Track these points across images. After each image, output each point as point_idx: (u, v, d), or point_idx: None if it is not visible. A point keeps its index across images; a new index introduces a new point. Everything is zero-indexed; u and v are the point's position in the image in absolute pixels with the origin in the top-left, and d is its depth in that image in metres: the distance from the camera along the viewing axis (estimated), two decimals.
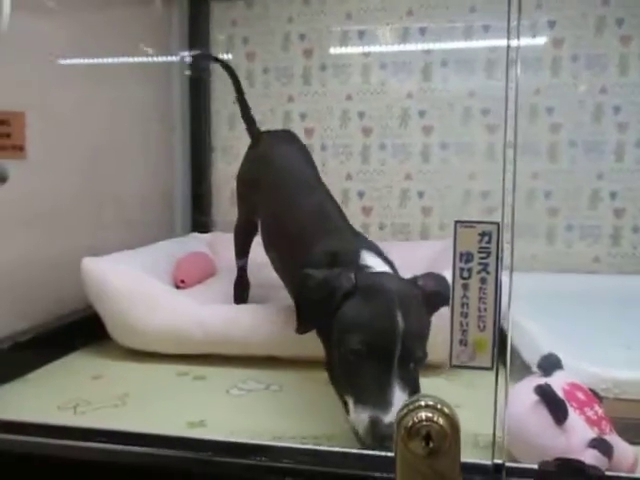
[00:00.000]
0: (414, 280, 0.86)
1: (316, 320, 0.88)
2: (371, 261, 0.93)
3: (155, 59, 1.87)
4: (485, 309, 0.55)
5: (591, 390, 0.77)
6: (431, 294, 0.84)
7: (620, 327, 1.30)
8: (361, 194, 1.91)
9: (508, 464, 0.60)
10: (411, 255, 1.61)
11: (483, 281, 0.54)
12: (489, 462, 0.60)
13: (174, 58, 1.97)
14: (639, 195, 1.74)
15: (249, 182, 1.39)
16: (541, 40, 1.79)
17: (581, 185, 1.78)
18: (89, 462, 0.67)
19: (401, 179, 1.88)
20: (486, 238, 0.54)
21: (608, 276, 1.73)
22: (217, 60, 1.80)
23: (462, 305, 0.55)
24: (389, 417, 0.70)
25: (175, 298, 1.23)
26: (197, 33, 1.95)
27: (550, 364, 0.80)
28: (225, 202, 1.99)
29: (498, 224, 0.54)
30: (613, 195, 1.76)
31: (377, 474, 0.59)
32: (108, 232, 1.55)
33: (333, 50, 1.89)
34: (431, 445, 0.56)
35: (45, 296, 1.29)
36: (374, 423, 0.70)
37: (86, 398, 1.02)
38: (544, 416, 0.70)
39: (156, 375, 1.15)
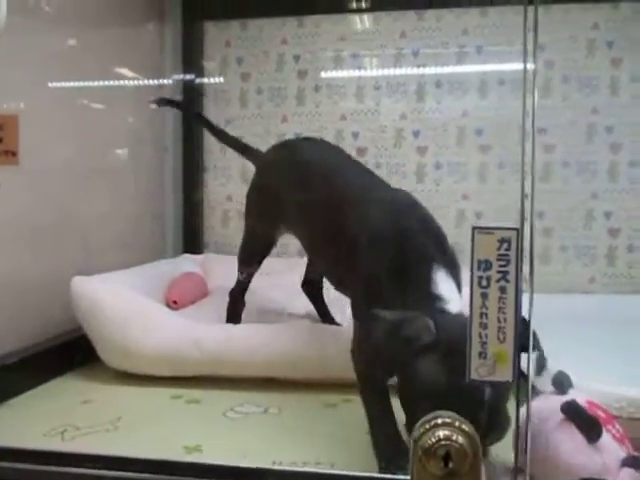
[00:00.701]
0: None
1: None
2: (445, 287, 0.78)
3: (148, 81, 1.87)
4: (505, 319, 0.52)
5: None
6: None
7: (619, 347, 1.28)
8: None
9: None
10: None
11: (503, 290, 0.52)
12: None
13: (168, 81, 1.96)
14: (634, 215, 1.74)
15: (272, 194, 1.24)
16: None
17: (575, 205, 1.78)
18: None
19: None
20: (505, 245, 0.52)
21: (604, 296, 1.72)
22: (178, 106, 1.79)
23: (481, 315, 0.52)
24: None
25: (169, 317, 1.19)
26: (191, 54, 1.94)
27: (564, 382, 0.77)
28: (217, 223, 1.96)
29: (517, 230, 0.52)
30: (608, 215, 1.76)
31: None
32: (99, 253, 1.51)
33: (327, 71, 1.90)
34: (450, 466, 0.53)
35: (33, 318, 1.24)
36: None
37: (75, 423, 0.97)
38: (574, 434, 0.67)
39: (149, 399, 1.10)
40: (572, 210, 1.78)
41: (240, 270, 1.35)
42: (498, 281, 0.52)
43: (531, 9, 0.67)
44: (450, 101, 1.83)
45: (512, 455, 0.66)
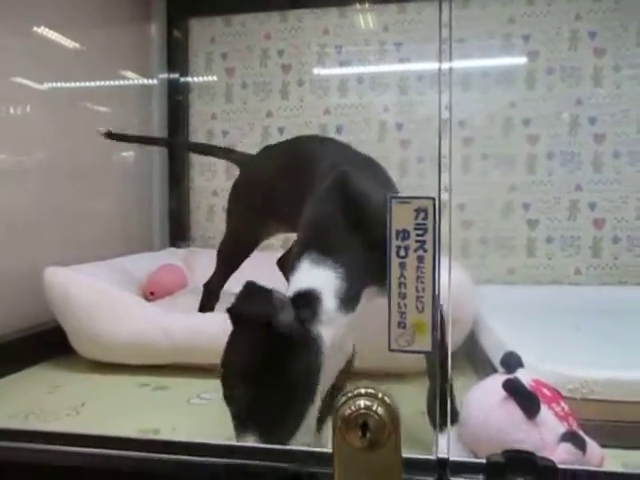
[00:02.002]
0: None
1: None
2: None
3: (134, 78, 1.88)
4: (423, 289, 0.52)
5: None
6: None
7: (597, 336, 1.27)
8: None
9: (453, 459, 0.56)
10: None
11: (420, 259, 0.52)
12: (433, 457, 0.56)
13: (154, 81, 1.98)
14: (618, 206, 1.73)
15: (256, 190, 1.21)
16: (515, 62, 1.81)
17: (559, 196, 1.76)
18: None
19: None
20: (422, 214, 0.52)
21: (589, 287, 1.71)
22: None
23: (399, 285, 0.52)
24: None
25: (140, 307, 1.20)
26: (176, 50, 1.96)
27: (512, 362, 0.77)
28: (203, 217, 1.97)
29: (434, 199, 0.52)
30: (592, 206, 1.75)
31: (315, 469, 0.56)
32: (84, 248, 1.52)
33: (311, 65, 1.90)
34: (368, 436, 0.53)
35: (9, 309, 1.26)
36: None
37: (40, 408, 0.98)
38: (514, 411, 0.67)
39: (116, 386, 1.11)
40: (557, 201, 1.77)
41: (218, 266, 1.34)
42: (416, 250, 0.52)
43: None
44: (432, 94, 1.83)
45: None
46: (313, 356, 0.68)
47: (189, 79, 1.98)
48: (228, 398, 0.68)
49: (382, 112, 1.86)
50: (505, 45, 1.78)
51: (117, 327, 1.15)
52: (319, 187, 0.86)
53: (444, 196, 0.56)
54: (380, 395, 0.54)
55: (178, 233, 1.95)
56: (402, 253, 0.52)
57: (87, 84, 1.61)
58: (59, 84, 1.48)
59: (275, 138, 1.90)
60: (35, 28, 1.39)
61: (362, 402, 0.54)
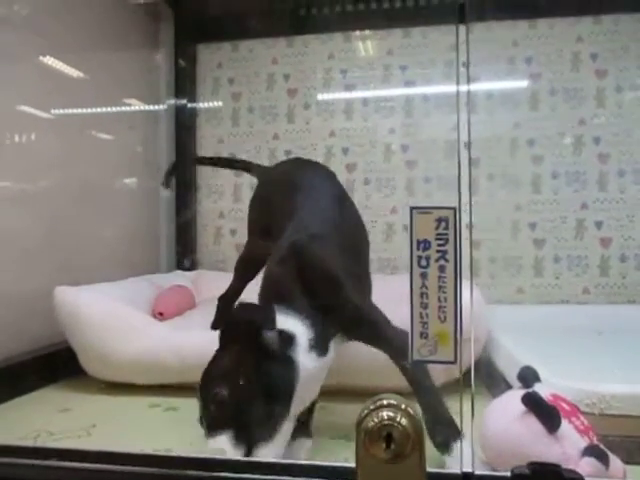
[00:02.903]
0: None
1: None
2: None
3: (143, 104, 1.91)
4: (445, 299, 0.52)
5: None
6: None
7: (608, 353, 1.26)
8: None
9: (478, 472, 0.55)
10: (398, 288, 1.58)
11: (442, 269, 0.52)
12: (458, 471, 0.56)
13: (162, 107, 2.01)
14: (625, 224, 1.73)
15: (265, 204, 1.26)
16: (518, 84, 1.84)
17: (566, 215, 1.77)
18: None
19: (387, 213, 1.87)
20: (443, 224, 0.52)
21: (598, 306, 1.70)
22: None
23: (421, 295, 0.52)
24: None
25: (149, 326, 1.19)
26: (184, 75, 1.99)
27: (529, 376, 0.76)
28: (209, 240, 1.98)
29: (455, 209, 0.53)
30: (599, 225, 1.75)
31: None
32: (92, 270, 1.52)
33: (316, 89, 1.93)
34: (393, 447, 0.53)
35: (20, 331, 1.26)
36: None
37: (49, 430, 0.97)
38: (534, 425, 0.66)
39: (127, 407, 1.10)
40: (563, 220, 1.78)
41: (234, 279, 1.36)
42: (437, 260, 0.52)
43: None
44: (438, 116, 1.85)
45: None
46: (290, 374, 0.77)
47: (196, 104, 2.01)
48: (207, 399, 0.75)
49: (387, 134, 1.88)
50: (509, 67, 1.80)
51: (127, 346, 1.14)
52: (280, 247, 0.95)
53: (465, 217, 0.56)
54: (403, 406, 0.54)
55: (185, 255, 1.96)
56: (423, 263, 0.52)
57: (96, 110, 1.63)
58: (69, 111, 1.50)
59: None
60: (44, 56, 1.42)
61: (385, 413, 0.54)
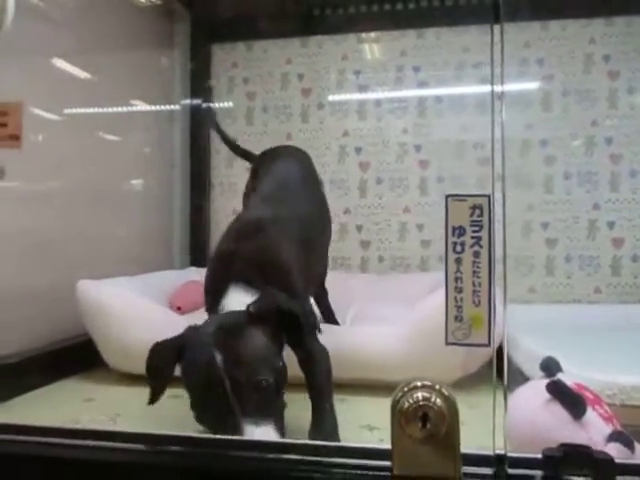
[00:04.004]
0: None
1: None
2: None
3: (158, 102, 1.93)
4: (479, 284, 0.54)
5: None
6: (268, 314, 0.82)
7: (622, 350, 1.27)
8: (359, 228, 1.92)
9: (510, 454, 0.57)
10: (412, 286, 1.61)
11: (476, 255, 0.54)
12: (491, 453, 0.57)
13: (177, 107, 2.03)
14: (637, 224, 1.75)
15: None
16: (531, 86, 1.85)
17: (578, 215, 1.78)
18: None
19: (399, 212, 1.89)
20: (477, 211, 0.54)
21: (609, 306, 1.71)
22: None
23: (456, 280, 0.54)
24: None
25: (171, 319, 1.21)
26: (199, 75, 2.01)
27: (552, 366, 0.78)
28: None
29: (489, 196, 0.54)
30: (611, 225, 1.77)
31: (373, 462, 0.56)
32: (108, 265, 1.54)
33: (330, 89, 1.95)
34: (428, 427, 0.54)
35: (41, 324, 1.28)
36: None
37: (75, 418, 0.99)
38: (559, 412, 0.68)
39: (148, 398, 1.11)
40: (575, 221, 1.79)
41: None
42: (472, 246, 0.54)
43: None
44: (450, 116, 1.87)
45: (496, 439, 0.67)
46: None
47: (211, 104, 2.03)
48: (243, 384, 0.73)
49: (401, 134, 1.90)
50: (521, 69, 1.82)
51: (149, 338, 1.15)
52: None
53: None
54: (437, 387, 0.55)
55: (199, 253, 1.97)
56: (458, 249, 0.54)
57: (112, 110, 1.65)
58: (85, 111, 1.52)
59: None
60: (57, 56, 1.43)
61: (420, 394, 0.55)
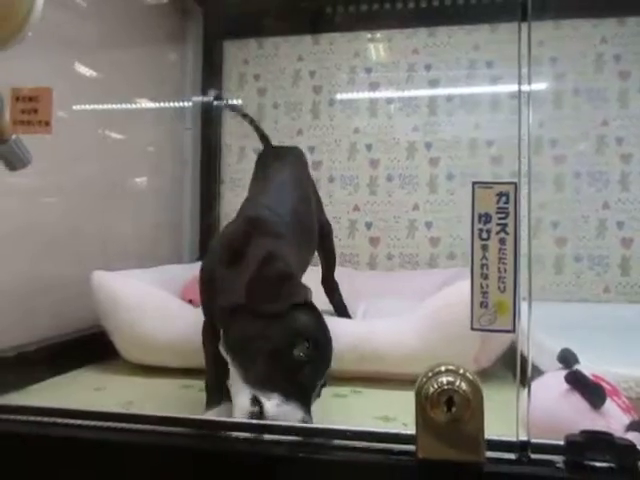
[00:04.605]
0: None
1: None
2: None
3: (169, 98, 1.94)
4: (505, 270, 0.54)
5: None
6: None
7: (635, 348, 1.27)
8: (369, 225, 1.92)
9: (534, 440, 0.57)
10: (422, 283, 1.61)
11: (502, 242, 0.54)
12: (514, 439, 0.58)
13: (188, 103, 2.03)
14: None
15: None
16: (542, 85, 1.85)
17: (588, 215, 1.79)
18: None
19: (409, 210, 1.89)
20: (504, 198, 0.54)
21: (618, 305, 1.71)
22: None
23: (482, 266, 0.54)
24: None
25: (185, 310, 1.22)
26: (211, 71, 2.02)
27: (570, 357, 0.78)
28: None
29: (515, 184, 0.55)
30: (620, 225, 1.77)
31: (396, 446, 0.57)
32: (118, 260, 1.55)
33: (341, 86, 1.96)
34: (453, 411, 0.55)
35: (54, 315, 1.29)
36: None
37: (88, 406, 0.99)
38: (579, 402, 0.68)
39: (160, 387, 1.12)
40: (585, 220, 1.79)
41: None
42: (498, 233, 0.54)
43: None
44: (461, 115, 1.88)
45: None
46: None
47: (222, 100, 2.03)
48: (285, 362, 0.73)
49: (411, 132, 1.90)
50: (535, 68, 1.82)
51: (164, 329, 1.16)
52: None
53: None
54: (462, 371, 0.56)
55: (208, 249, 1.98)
56: (484, 235, 0.55)
57: (124, 106, 1.66)
58: (97, 106, 1.53)
59: (306, 156, 1.94)
60: (68, 48, 1.44)
61: (444, 379, 0.56)
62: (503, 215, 0.54)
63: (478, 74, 1.86)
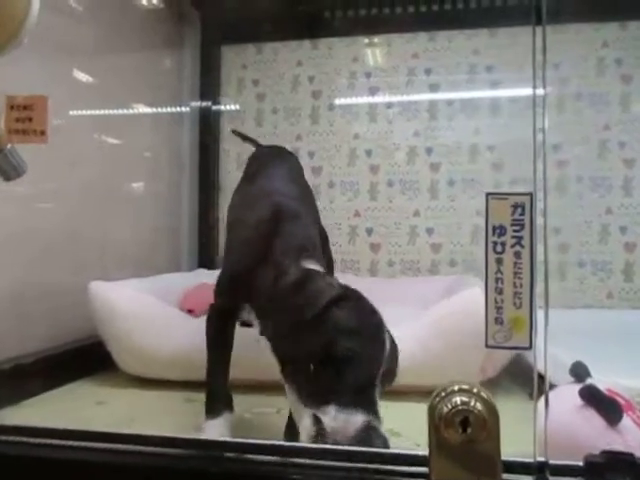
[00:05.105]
0: None
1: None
2: None
3: (167, 103, 1.92)
4: (521, 285, 0.52)
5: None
6: None
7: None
8: (369, 231, 1.90)
9: (552, 461, 0.55)
10: (423, 290, 1.60)
11: (517, 255, 0.52)
12: (531, 459, 0.55)
13: (186, 109, 2.01)
14: None
15: None
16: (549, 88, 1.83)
17: (590, 220, 1.77)
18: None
19: (410, 216, 1.87)
20: (519, 210, 0.52)
21: (622, 311, 1.70)
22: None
23: (496, 281, 0.52)
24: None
25: (184, 321, 1.19)
26: (209, 76, 2.00)
27: (582, 371, 0.76)
28: None
29: (531, 194, 0.53)
30: (623, 230, 1.75)
31: (408, 469, 0.55)
32: (116, 267, 1.53)
33: (340, 91, 1.94)
34: (468, 432, 0.52)
35: (52, 325, 1.26)
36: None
37: (89, 422, 0.97)
38: (594, 418, 0.66)
39: (162, 402, 1.10)
40: (587, 225, 1.78)
41: None
42: (513, 246, 0.52)
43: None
44: (462, 120, 1.86)
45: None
46: None
47: (220, 104, 2.02)
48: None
49: (411, 137, 1.89)
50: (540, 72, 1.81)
51: (161, 341, 1.14)
52: None
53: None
54: (476, 390, 0.54)
55: (207, 255, 1.96)
56: (499, 249, 0.52)
57: (121, 112, 1.63)
58: (95, 112, 1.50)
59: (305, 161, 1.92)
60: (65, 54, 1.41)
61: (459, 399, 0.54)
62: (518, 227, 0.52)
63: (477, 79, 1.85)
